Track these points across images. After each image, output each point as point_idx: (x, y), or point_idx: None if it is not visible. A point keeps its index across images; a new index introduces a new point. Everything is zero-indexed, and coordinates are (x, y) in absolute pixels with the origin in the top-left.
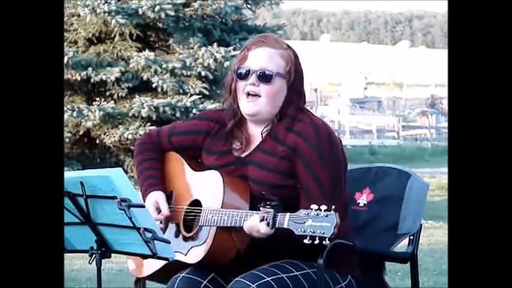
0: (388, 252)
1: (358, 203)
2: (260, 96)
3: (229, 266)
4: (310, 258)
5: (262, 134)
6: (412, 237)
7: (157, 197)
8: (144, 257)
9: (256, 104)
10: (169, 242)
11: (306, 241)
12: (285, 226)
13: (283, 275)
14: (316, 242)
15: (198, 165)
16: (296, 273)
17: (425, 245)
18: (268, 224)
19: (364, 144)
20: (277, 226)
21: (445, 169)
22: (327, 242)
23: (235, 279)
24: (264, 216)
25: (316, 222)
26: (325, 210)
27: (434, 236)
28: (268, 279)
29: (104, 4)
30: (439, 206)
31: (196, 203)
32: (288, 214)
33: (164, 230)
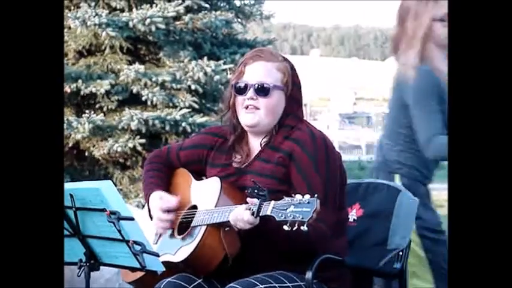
0: (377, 267)
1: (348, 218)
2: (259, 109)
3: (216, 269)
4: (300, 270)
5: (261, 144)
6: (401, 252)
7: (161, 194)
8: (133, 269)
9: (256, 115)
10: (158, 255)
11: (285, 227)
12: (268, 213)
13: (276, 285)
14: (295, 228)
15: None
16: (288, 284)
17: None
18: (252, 213)
19: (354, 159)
20: (261, 214)
21: (434, 185)
22: (305, 227)
23: (229, 285)
24: (249, 206)
25: (297, 208)
26: (308, 199)
27: None
28: (261, 286)
29: (94, 17)
30: None
31: (195, 208)
32: (272, 202)
33: (159, 236)
